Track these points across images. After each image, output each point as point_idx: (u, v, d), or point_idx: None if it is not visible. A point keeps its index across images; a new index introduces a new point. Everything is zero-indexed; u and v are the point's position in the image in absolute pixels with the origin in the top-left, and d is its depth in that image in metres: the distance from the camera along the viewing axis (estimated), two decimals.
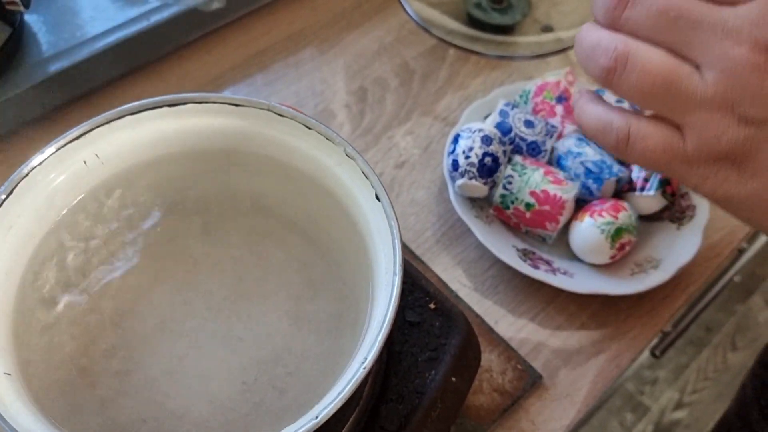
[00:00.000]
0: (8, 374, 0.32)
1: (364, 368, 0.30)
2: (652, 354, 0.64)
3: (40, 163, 0.36)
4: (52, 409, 0.34)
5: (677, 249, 0.54)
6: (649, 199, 0.54)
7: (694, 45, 0.25)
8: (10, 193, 0.35)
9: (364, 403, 0.39)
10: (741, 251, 0.70)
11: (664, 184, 0.54)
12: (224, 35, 0.71)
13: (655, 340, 0.59)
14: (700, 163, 0.27)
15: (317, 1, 0.75)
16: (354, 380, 0.30)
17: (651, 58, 0.26)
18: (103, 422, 0.35)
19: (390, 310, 0.31)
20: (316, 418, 0.29)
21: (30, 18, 0.62)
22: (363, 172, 0.37)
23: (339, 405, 0.29)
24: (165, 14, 0.64)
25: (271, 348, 0.38)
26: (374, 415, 0.40)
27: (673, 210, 0.56)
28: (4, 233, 0.35)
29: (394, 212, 0.35)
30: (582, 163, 0.54)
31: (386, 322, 0.31)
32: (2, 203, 0.35)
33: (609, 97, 0.51)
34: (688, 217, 0.55)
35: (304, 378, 0.37)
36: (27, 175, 0.36)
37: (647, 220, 0.56)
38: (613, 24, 0.27)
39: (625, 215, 0.52)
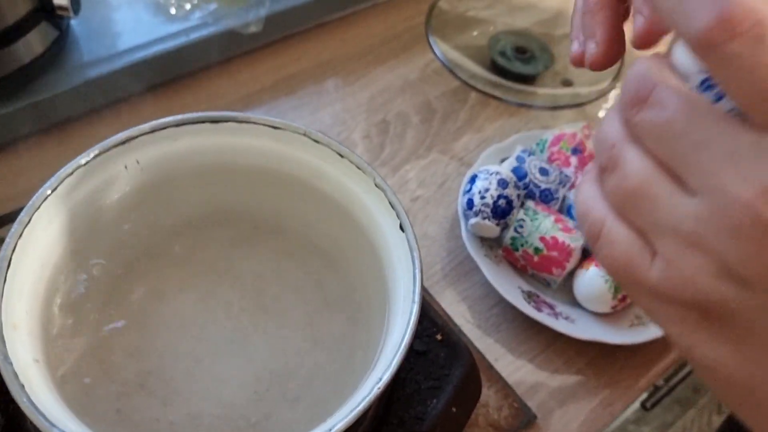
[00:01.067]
0: (37, 360, 0.33)
1: (379, 388, 0.31)
2: (643, 407, 0.65)
3: (85, 163, 0.38)
4: (72, 399, 0.35)
5: None
6: None
7: (654, 236, 0.22)
8: (55, 189, 0.37)
9: (366, 424, 0.41)
10: None
11: None
12: (256, 58, 0.74)
13: (646, 394, 0.61)
14: (666, 301, 0.22)
15: (347, 34, 0.78)
16: (368, 398, 0.31)
17: (614, 239, 0.23)
18: (118, 417, 0.36)
19: (407, 334, 0.33)
20: (330, 430, 0.30)
21: (74, 24, 0.65)
22: (390, 203, 0.38)
23: (352, 420, 0.31)
24: (203, 33, 0.67)
25: (285, 361, 0.40)
26: None
27: None
28: (45, 226, 0.36)
29: (417, 244, 0.37)
30: None
31: (402, 346, 0.33)
32: (47, 198, 0.36)
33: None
34: None
35: (315, 393, 0.39)
36: (72, 173, 0.38)
37: None
38: (600, 188, 0.24)
39: None
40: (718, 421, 1.45)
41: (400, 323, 0.34)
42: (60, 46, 0.61)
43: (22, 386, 0.30)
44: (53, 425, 0.29)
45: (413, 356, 0.45)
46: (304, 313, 0.42)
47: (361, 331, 0.40)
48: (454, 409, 0.44)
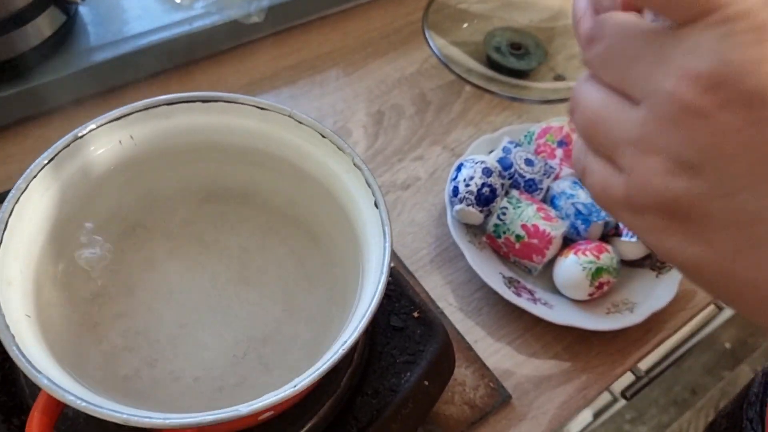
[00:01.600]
0: (28, 316, 0.36)
1: (343, 349, 0.33)
2: (624, 396, 0.66)
3: (81, 136, 0.40)
4: (61, 354, 0.37)
5: (653, 296, 0.57)
6: (632, 245, 0.58)
7: (615, 155, 0.24)
8: (52, 159, 0.39)
9: (341, 392, 0.43)
10: (721, 308, 0.73)
11: None
12: (258, 47, 0.76)
13: (626, 383, 0.62)
14: (639, 212, 0.23)
15: (348, 27, 0.80)
16: (332, 359, 0.33)
17: (593, 170, 0.25)
18: (104, 374, 0.38)
19: (373, 302, 0.35)
20: (295, 386, 0.32)
21: (82, 9, 0.67)
22: (367, 182, 0.41)
23: (316, 378, 0.33)
24: (207, 21, 0.69)
25: (263, 329, 0.42)
26: (349, 405, 0.43)
27: (654, 259, 0.59)
28: (41, 194, 0.39)
29: (389, 219, 0.39)
30: (573, 204, 0.58)
31: (369, 312, 0.35)
32: (44, 167, 0.39)
33: None
34: (668, 267, 0.59)
35: (290, 361, 0.41)
36: (69, 145, 0.40)
37: (629, 265, 0.59)
38: None
39: (607, 257, 0.55)
40: None
41: (370, 293, 0.36)
42: (67, 30, 0.63)
43: (13, 336, 0.33)
44: (39, 372, 0.32)
45: (390, 332, 0.47)
46: (285, 285, 0.44)
47: (337, 304, 0.42)
48: (426, 383, 0.46)
